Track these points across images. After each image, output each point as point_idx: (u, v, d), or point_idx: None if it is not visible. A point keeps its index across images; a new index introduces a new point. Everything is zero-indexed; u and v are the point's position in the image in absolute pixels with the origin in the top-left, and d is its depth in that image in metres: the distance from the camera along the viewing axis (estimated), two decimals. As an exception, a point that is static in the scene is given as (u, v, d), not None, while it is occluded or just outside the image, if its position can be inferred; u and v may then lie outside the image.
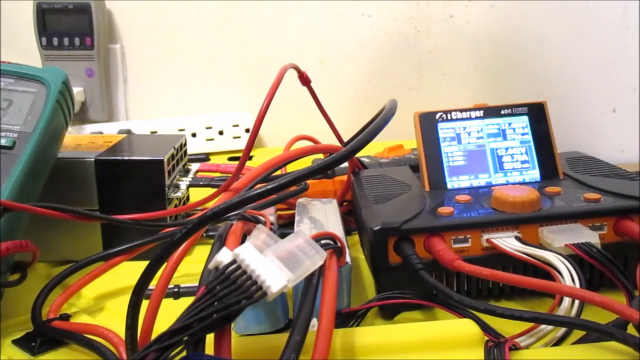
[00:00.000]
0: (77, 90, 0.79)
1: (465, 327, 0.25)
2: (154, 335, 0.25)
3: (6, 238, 0.32)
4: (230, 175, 0.47)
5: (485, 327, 0.28)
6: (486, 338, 0.25)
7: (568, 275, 0.28)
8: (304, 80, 0.46)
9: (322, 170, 0.27)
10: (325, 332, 0.21)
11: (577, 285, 0.28)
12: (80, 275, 0.38)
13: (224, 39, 0.83)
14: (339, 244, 0.26)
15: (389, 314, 0.34)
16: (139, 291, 0.25)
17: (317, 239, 0.25)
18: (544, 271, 0.30)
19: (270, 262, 0.21)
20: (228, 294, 0.20)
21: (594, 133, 0.81)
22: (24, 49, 0.80)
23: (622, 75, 0.79)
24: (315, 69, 0.83)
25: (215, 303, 0.20)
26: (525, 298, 0.35)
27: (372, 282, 0.37)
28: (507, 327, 0.28)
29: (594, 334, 0.25)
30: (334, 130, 0.47)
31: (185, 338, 0.19)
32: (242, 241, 0.28)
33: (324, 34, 0.82)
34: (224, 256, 0.22)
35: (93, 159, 0.43)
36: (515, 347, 0.25)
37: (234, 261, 0.21)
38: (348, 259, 0.30)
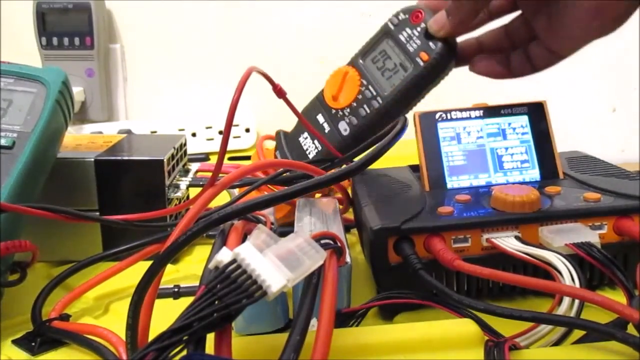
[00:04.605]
0: (77, 90, 0.79)
1: (464, 327, 0.25)
2: (152, 334, 0.25)
3: (5, 238, 0.32)
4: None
5: (485, 327, 0.28)
6: (486, 338, 0.25)
7: (568, 275, 0.28)
8: (279, 92, 0.41)
9: (333, 182, 0.27)
10: (325, 332, 0.21)
11: (577, 284, 0.28)
12: (81, 276, 0.38)
13: (223, 39, 0.83)
14: (338, 244, 0.26)
15: (388, 313, 0.34)
16: (141, 291, 0.25)
17: (317, 238, 0.25)
18: (544, 271, 0.30)
19: (270, 262, 0.21)
20: (228, 293, 0.20)
21: (594, 132, 0.81)
22: (24, 49, 0.80)
23: (622, 74, 0.79)
24: (315, 69, 0.83)
25: (216, 302, 0.20)
26: (525, 297, 0.35)
27: (372, 282, 0.37)
28: (506, 327, 0.28)
29: (594, 333, 0.25)
30: (326, 143, 0.45)
31: (186, 337, 0.19)
32: (243, 241, 0.28)
33: (323, 33, 0.82)
34: (224, 256, 0.22)
35: (93, 159, 0.43)
36: (515, 347, 0.25)
37: (234, 260, 0.21)
38: (348, 258, 0.29)
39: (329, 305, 0.22)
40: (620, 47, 0.77)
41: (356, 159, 0.30)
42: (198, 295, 0.20)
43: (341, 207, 0.44)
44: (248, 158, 0.72)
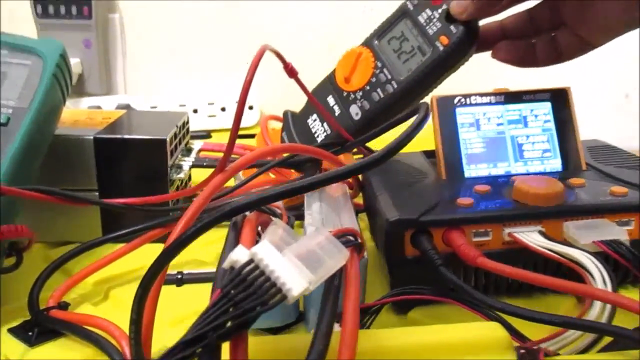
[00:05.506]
0: (74, 61, 0.76)
1: (493, 331, 0.24)
2: (155, 328, 0.24)
3: (1, 221, 0.30)
4: (236, 155, 0.44)
5: (508, 328, 0.27)
6: (515, 344, 0.24)
7: (599, 277, 0.27)
8: (290, 71, 0.39)
9: (353, 174, 0.25)
10: (350, 336, 0.20)
11: (609, 287, 0.26)
12: (80, 259, 0.36)
13: (228, 12, 0.80)
14: (359, 241, 0.24)
15: (403, 308, 0.33)
16: (146, 286, 0.23)
17: (338, 235, 0.23)
18: (567, 269, 0.29)
19: (290, 263, 0.20)
20: (245, 298, 0.18)
21: (606, 119, 0.79)
22: (18, 17, 0.77)
23: (635, 60, 0.77)
24: (317, 63, 0.80)
25: (231, 309, 0.18)
26: (545, 294, 0.34)
27: (383, 273, 0.35)
28: (527, 329, 0.26)
29: (626, 341, 0.24)
30: (337, 126, 0.43)
31: (199, 350, 0.17)
32: (257, 233, 0.26)
33: (325, 28, 0.80)
34: (240, 255, 0.20)
35: (92, 137, 0.41)
36: (547, 354, 0.24)
37: (251, 261, 0.19)
38: (365, 252, 0.28)
39: (353, 308, 0.20)
40: (632, 32, 0.75)
41: (378, 149, 0.28)
42: (213, 302, 0.18)
43: (350, 191, 0.43)
44: (252, 136, 0.70)
